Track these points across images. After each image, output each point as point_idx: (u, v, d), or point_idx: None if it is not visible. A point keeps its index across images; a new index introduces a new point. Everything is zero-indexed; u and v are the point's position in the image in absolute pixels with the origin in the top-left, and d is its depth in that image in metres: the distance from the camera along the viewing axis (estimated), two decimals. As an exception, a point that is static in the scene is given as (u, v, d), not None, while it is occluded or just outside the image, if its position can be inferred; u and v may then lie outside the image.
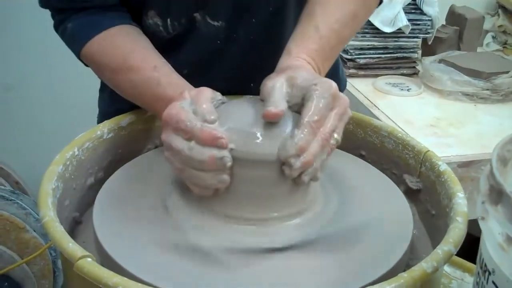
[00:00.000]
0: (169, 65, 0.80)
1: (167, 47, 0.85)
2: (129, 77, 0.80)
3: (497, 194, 0.47)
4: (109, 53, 0.82)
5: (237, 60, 0.91)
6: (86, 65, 0.88)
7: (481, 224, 0.50)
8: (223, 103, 0.70)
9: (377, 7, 0.86)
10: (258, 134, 0.64)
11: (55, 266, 1.77)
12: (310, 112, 0.63)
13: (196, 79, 0.78)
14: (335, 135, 0.65)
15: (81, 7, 0.84)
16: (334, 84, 0.65)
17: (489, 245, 0.50)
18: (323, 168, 0.66)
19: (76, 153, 0.75)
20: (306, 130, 0.62)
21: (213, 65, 0.91)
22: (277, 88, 0.66)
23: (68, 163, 0.73)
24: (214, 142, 0.62)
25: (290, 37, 0.79)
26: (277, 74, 0.69)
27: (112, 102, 0.97)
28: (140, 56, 0.80)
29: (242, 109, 0.68)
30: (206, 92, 0.68)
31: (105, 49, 0.82)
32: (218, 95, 0.70)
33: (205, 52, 0.90)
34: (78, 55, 0.85)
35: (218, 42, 0.89)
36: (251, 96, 0.75)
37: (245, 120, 0.66)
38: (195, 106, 0.65)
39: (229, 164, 0.63)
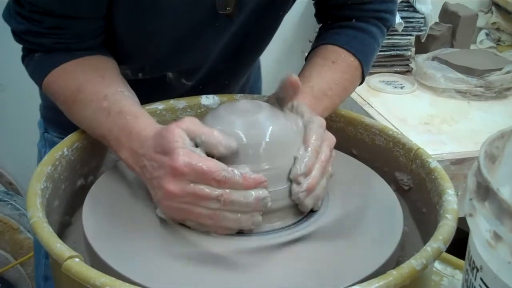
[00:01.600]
0: (124, 92, 0.76)
1: (132, 86, 0.81)
2: (80, 110, 0.76)
3: (484, 191, 0.47)
4: (65, 84, 0.78)
5: None
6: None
7: (469, 221, 0.50)
8: None
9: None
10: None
11: (50, 267, 1.77)
12: (313, 138, 0.69)
13: None
14: (329, 168, 0.71)
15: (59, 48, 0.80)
16: (324, 121, 0.72)
17: (477, 242, 0.49)
18: (322, 195, 0.71)
19: (66, 153, 0.74)
20: (310, 152, 0.68)
21: None
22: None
23: (57, 163, 0.72)
24: (257, 186, 0.63)
25: None
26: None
27: None
28: (93, 87, 0.76)
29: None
30: (195, 120, 0.66)
31: (62, 79, 0.79)
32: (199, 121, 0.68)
33: (170, 96, 0.90)
34: (40, 85, 0.81)
35: (185, 92, 0.93)
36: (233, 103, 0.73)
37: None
38: (205, 138, 0.63)
39: (269, 204, 0.64)
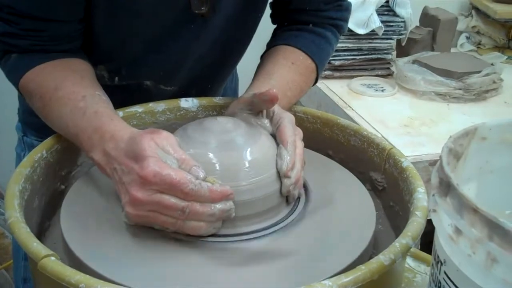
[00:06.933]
0: (102, 96, 0.77)
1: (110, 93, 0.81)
2: (56, 108, 0.76)
3: (445, 187, 0.49)
4: (43, 82, 0.78)
5: None
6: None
7: (433, 217, 0.51)
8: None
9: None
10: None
11: (33, 271, 1.76)
12: (290, 133, 0.73)
13: None
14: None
15: (35, 50, 0.81)
16: (292, 116, 0.77)
17: (441, 237, 0.51)
18: (302, 183, 0.75)
19: (45, 155, 0.75)
20: (290, 147, 0.72)
21: None
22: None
23: (36, 165, 0.73)
24: (223, 199, 0.64)
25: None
26: None
27: None
28: (71, 86, 0.77)
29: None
30: (172, 138, 0.67)
31: (40, 78, 0.79)
32: (177, 139, 0.68)
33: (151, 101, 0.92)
34: (17, 85, 0.81)
35: (168, 98, 0.94)
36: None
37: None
38: (175, 156, 0.64)
39: (233, 215, 0.66)
